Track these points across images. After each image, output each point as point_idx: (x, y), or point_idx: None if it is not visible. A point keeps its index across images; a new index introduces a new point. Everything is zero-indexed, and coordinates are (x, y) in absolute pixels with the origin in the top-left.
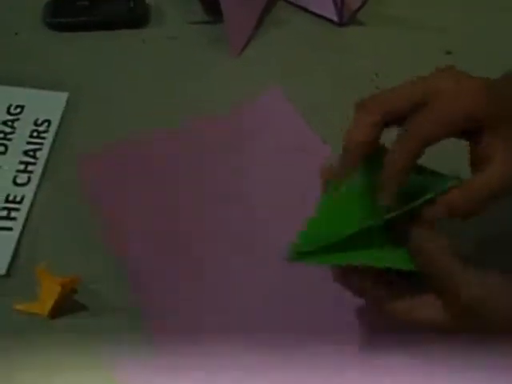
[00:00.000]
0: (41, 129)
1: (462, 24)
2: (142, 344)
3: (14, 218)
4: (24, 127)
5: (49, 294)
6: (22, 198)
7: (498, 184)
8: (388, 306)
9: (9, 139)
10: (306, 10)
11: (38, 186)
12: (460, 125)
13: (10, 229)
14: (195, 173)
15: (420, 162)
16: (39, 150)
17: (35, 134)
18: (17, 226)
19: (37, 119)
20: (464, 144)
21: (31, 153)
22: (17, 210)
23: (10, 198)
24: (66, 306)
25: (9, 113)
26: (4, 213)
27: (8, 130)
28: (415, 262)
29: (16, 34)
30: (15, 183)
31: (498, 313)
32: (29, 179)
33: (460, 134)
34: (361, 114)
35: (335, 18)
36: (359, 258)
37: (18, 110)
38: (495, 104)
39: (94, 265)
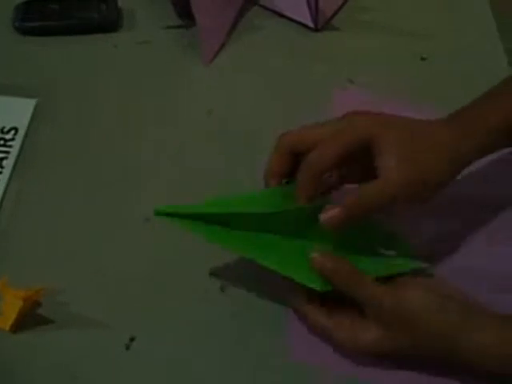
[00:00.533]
0: (7, 137)
1: (437, 30)
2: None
3: None
4: None
5: (10, 308)
6: None
7: (379, 195)
8: (334, 338)
9: None
10: (280, 15)
11: (4, 197)
12: (349, 147)
13: None
14: None
15: None
16: (5, 158)
17: (1, 142)
18: None
19: (3, 127)
20: None
21: None
22: None
23: None
24: (30, 319)
25: None
26: None
27: None
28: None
29: None
30: None
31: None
32: None
33: (359, 164)
34: (275, 145)
35: (310, 24)
36: (246, 248)
37: None
38: (383, 118)
39: (59, 276)
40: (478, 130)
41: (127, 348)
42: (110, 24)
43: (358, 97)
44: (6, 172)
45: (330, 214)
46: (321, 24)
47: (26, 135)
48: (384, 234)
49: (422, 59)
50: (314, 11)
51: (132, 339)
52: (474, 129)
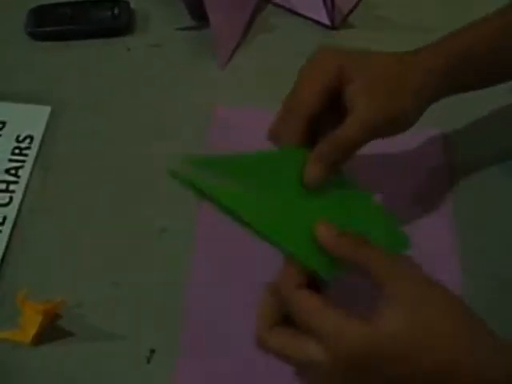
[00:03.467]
0: (23, 145)
1: (453, 25)
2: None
3: None
4: (6, 144)
5: (30, 322)
6: (4, 220)
7: (356, 131)
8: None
9: None
10: (296, 13)
11: (20, 207)
12: (326, 85)
13: None
14: None
15: None
16: (21, 167)
17: (17, 151)
18: None
19: (19, 135)
20: None
21: (13, 171)
22: None
23: None
24: (50, 331)
25: None
26: None
27: None
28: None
29: None
30: None
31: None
32: (10, 199)
33: (335, 104)
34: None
35: (327, 22)
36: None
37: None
38: (351, 60)
39: (79, 288)
40: (438, 62)
41: (148, 361)
42: (122, 27)
43: (239, 113)
44: (23, 181)
45: (311, 170)
46: (337, 22)
47: (42, 143)
48: (371, 208)
49: None
50: (331, 9)
51: (153, 351)
52: (435, 61)
